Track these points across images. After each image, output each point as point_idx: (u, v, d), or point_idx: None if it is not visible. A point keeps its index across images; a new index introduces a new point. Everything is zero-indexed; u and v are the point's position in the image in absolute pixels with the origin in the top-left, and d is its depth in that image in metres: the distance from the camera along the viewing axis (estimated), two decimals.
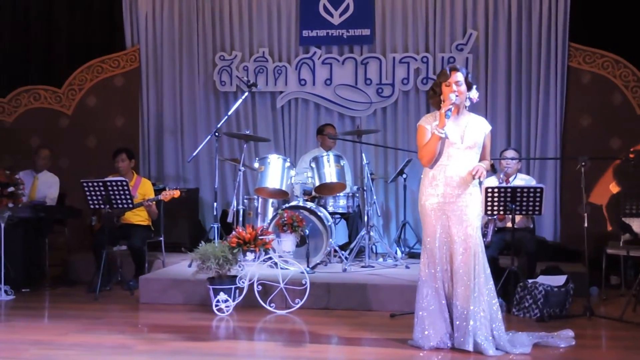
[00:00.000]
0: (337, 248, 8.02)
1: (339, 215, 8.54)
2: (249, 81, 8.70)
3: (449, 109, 5.24)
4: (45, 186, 8.62)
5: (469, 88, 5.38)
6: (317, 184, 7.95)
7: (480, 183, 5.49)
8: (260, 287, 6.75)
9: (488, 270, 5.33)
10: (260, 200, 8.32)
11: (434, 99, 5.46)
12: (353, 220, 8.62)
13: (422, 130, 5.40)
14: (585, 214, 6.66)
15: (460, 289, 5.25)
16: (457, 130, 5.35)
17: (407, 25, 9.42)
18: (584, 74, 8.97)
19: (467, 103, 5.43)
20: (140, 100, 9.95)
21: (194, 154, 8.47)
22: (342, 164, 8.05)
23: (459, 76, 5.33)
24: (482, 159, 5.43)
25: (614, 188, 8.79)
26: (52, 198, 8.63)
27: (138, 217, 8.20)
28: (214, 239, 7.74)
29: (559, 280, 6.77)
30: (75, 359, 5.21)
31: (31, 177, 8.58)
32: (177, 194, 7.99)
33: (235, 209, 7.99)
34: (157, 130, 9.96)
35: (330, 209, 8.22)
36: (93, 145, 9.91)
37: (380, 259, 8.33)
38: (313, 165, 8.00)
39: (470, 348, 5.19)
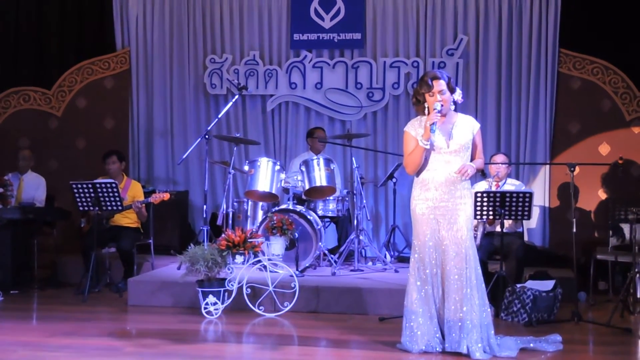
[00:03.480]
0: (326, 252, 8.03)
1: (328, 219, 8.55)
2: (239, 84, 8.70)
3: (434, 123, 5.23)
4: (31, 187, 8.60)
5: (453, 91, 5.39)
6: (307, 187, 7.95)
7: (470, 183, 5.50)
8: (249, 290, 6.76)
9: (479, 273, 5.34)
10: (250, 203, 8.32)
11: (418, 107, 5.45)
12: (342, 224, 8.62)
13: (408, 137, 5.42)
14: (574, 220, 6.69)
15: (452, 292, 5.26)
16: (443, 136, 5.36)
17: (397, 30, 9.44)
18: (573, 80, 9.00)
19: (452, 107, 5.44)
20: (130, 102, 9.93)
21: (184, 156, 8.46)
22: (332, 168, 8.05)
23: (442, 84, 5.31)
24: (473, 157, 5.44)
25: (603, 194, 8.83)
26: (41, 200, 8.61)
27: (127, 219, 8.18)
28: (204, 241, 7.73)
29: (547, 285, 6.79)
30: None
31: (17, 179, 8.55)
32: (166, 196, 7.98)
33: (224, 212, 8.00)
34: (147, 133, 9.94)
35: (320, 212, 8.23)
36: (82, 147, 9.88)
37: (370, 263, 8.33)
38: (303, 168, 8.00)
39: (464, 350, 5.20)
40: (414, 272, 5.40)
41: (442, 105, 5.26)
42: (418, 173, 5.40)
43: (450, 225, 5.31)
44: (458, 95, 5.42)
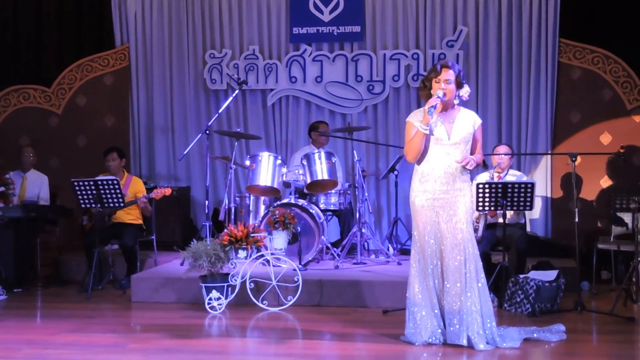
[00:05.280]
0: (329, 245, 8.03)
1: (330, 212, 8.56)
2: (239, 79, 8.70)
3: (433, 106, 5.23)
4: (34, 185, 8.59)
5: (460, 86, 5.39)
6: (309, 181, 7.95)
7: (470, 175, 5.51)
8: (252, 284, 6.76)
9: (480, 265, 5.35)
10: (251, 198, 8.33)
11: (423, 92, 5.47)
12: (345, 217, 8.63)
13: (410, 127, 5.42)
14: (576, 209, 6.69)
15: (451, 284, 5.27)
16: (445, 127, 5.37)
17: (397, 22, 9.42)
18: (574, 70, 9.00)
19: (456, 101, 5.44)
20: (131, 98, 9.92)
21: (185, 152, 8.46)
22: (333, 161, 8.05)
23: (450, 74, 5.33)
24: (473, 152, 5.45)
25: (605, 183, 8.83)
26: (46, 198, 8.63)
27: (129, 215, 8.18)
28: (206, 237, 7.74)
29: (550, 275, 6.80)
30: (67, 358, 5.20)
31: (20, 177, 8.55)
32: (168, 192, 7.99)
33: (226, 207, 7.99)
34: (148, 129, 9.94)
35: (322, 206, 8.24)
36: (83, 145, 9.88)
37: (372, 256, 8.34)
38: (304, 162, 8.00)
39: (464, 342, 5.21)
40: (415, 264, 5.41)
41: (444, 94, 5.28)
42: (419, 162, 5.40)
43: (449, 217, 5.32)
44: (465, 92, 5.42)
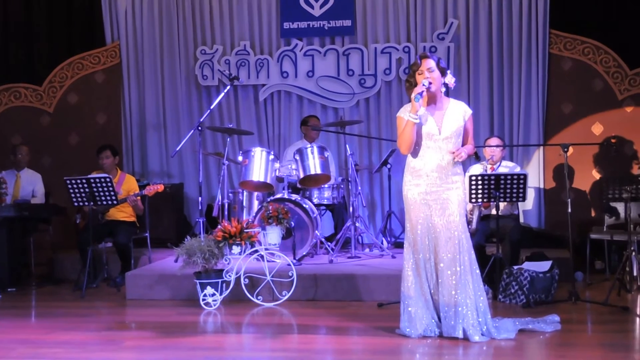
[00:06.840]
0: (323, 239, 8.03)
1: (324, 207, 8.56)
2: (230, 75, 8.69)
3: (419, 93, 5.23)
4: (28, 184, 8.57)
5: (443, 74, 5.40)
6: (302, 176, 7.95)
7: (463, 167, 5.50)
8: (247, 280, 6.76)
9: (473, 257, 5.35)
10: (245, 193, 8.32)
11: (410, 91, 5.45)
12: (338, 211, 8.63)
13: (400, 121, 5.42)
14: (569, 200, 6.70)
15: (445, 276, 5.28)
16: (435, 121, 5.37)
17: (388, 15, 9.42)
18: (565, 61, 9.01)
19: (443, 89, 5.45)
20: (122, 96, 9.90)
21: (177, 148, 8.44)
22: (326, 156, 8.05)
23: (430, 62, 5.34)
24: (465, 143, 5.45)
25: (597, 173, 8.85)
26: (41, 194, 8.58)
27: (123, 213, 8.17)
28: (200, 233, 7.74)
29: (544, 266, 6.81)
30: (63, 357, 5.19)
31: (13, 175, 8.53)
32: (161, 188, 7.97)
33: (220, 203, 7.99)
34: (140, 126, 9.91)
35: (316, 200, 8.24)
36: (75, 143, 9.86)
37: (367, 250, 8.35)
38: (297, 157, 7.99)
39: (460, 335, 5.23)
40: (408, 258, 5.41)
41: (430, 83, 5.28)
42: (413, 154, 5.39)
43: (442, 211, 5.32)
44: (450, 79, 5.42)
